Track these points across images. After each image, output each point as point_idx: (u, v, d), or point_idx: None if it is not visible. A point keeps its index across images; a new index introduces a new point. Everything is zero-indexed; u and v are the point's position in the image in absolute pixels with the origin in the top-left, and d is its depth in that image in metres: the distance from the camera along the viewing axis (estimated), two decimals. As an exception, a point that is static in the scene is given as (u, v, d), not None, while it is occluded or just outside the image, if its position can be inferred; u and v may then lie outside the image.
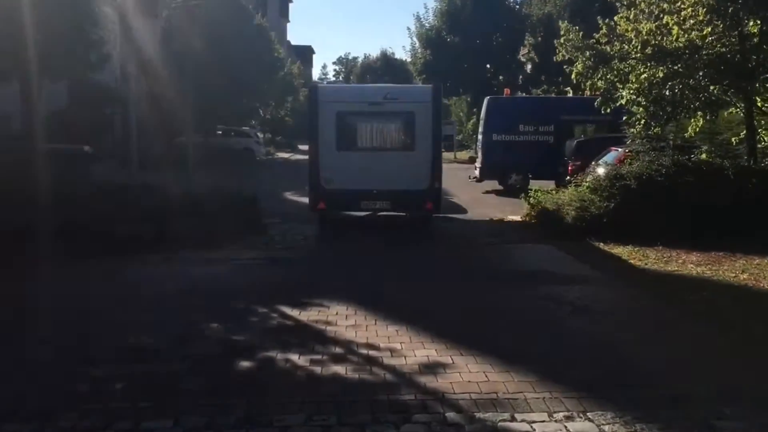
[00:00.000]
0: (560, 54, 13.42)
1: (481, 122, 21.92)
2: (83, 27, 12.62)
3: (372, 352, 5.89)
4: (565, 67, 14.01)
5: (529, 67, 39.49)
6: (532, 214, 13.97)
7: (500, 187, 21.52)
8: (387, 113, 13.19)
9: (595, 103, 13.57)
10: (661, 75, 12.38)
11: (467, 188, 21.86)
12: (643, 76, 12.57)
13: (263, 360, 5.68)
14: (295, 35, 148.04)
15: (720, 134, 12.81)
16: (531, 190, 14.83)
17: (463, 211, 16.65)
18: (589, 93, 14.07)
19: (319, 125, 13.16)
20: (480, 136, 21.99)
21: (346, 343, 6.18)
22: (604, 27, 12.91)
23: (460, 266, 9.93)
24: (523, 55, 39.82)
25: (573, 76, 13.40)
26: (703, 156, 12.64)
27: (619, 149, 16.26)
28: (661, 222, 11.50)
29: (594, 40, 13.13)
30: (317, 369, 5.44)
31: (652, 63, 12.18)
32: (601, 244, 11.38)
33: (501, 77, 39.77)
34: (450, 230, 13.43)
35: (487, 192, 21.29)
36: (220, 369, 5.43)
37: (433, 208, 13.22)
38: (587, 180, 13.29)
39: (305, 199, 14.36)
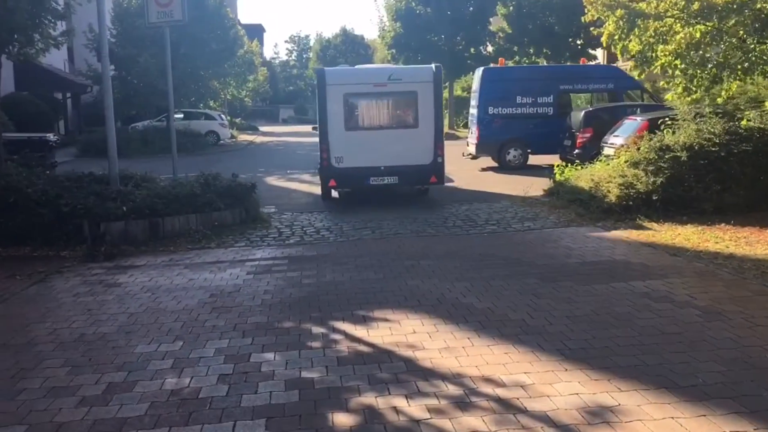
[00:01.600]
0: (589, 14, 12.09)
1: (474, 95, 20.68)
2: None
3: (499, 391, 4.52)
4: (592, 29, 12.65)
5: (500, 37, 38.28)
6: (560, 192, 12.70)
7: (495, 164, 20.53)
8: (391, 93, 13.96)
9: (628, 69, 12.28)
10: (701, 34, 11.11)
11: (462, 166, 20.80)
12: (680, 36, 11.30)
13: (363, 411, 4.26)
14: (244, 14, 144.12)
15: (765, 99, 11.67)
16: (555, 165, 13.58)
17: (472, 192, 15.42)
18: (620, 56, 12.75)
19: (327, 107, 13.77)
20: (473, 110, 20.75)
21: (455, 377, 4.79)
22: (638, -18, 11.57)
23: (515, 259, 8.63)
24: (494, 27, 38.57)
25: (603, 38, 12.08)
26: (744, 122, 11.48)
27: (638, 118, 15.15)
28: (719, 196, 10.35)
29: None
30: (447, 424, 4.02)
31: (697, 20, 10.90)
32: (655, 224, 10.23)
33: (472, 49, 38.50)
34: (474, 215, 12.17)
35: (485, 169, 20.16)
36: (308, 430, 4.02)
37: (438, 181, 13.95)
38: (620, 152, 12.08)
39: (293, 185, 15.63)
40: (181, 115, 32.22)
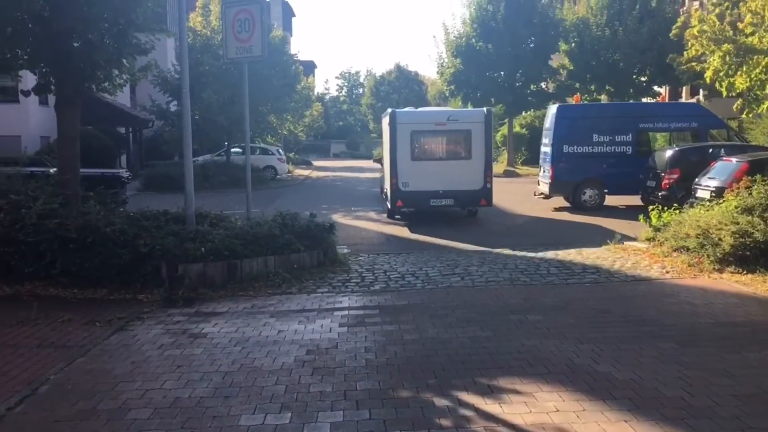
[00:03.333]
0: (692, 49, 11.27)
1: (547, 132, 20.00)
2: (127, 28, 10.37)
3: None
4: (694, 64, 11.80)
5: (561, 74, 37.57)
6: (660, 238, 11.76)
7: (568, 204, 19.90)
8: (449, 131, 17.04)
9: (734, 107, 11.38)
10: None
11: (533, 206, 20.31)
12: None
13: None
14: (295, 50, 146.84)
15: None
16: (651, 209, 12.68)
17: (553, 235, 14.72)
18: (725, 94, 11.84)
19: (397, 141, 16.80)
20: (546, 149, 20.07)
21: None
22: (749, 14, 10.72)
23: (637, 317, 7.82)
24: (555, 63, 37.91)
25: (708, 74, 11.23)
26: None
27: (734, 159, 14.17)
28: None
29: (728, 29, 10.93)
30: None
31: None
32: (781, 278, 9.23)
33: (533, 86, 37.85)
34: (568, 262, 11.44)
35: (558, 209, 19.41)
36: None
37: (487, 203, 17.08)
38: (729, 198, 11.12)
39: (361, 223, 17.01)
40: (240, 150, 32.32)
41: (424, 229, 16.16)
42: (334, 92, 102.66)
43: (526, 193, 23.49)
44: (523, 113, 42.69)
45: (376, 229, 16.51)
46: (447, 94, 41.20)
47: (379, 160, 23.78)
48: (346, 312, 8.24)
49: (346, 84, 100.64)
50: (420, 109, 20.48)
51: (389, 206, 17.81)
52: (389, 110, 18.19)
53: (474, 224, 17.35)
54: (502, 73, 37.83)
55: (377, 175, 26.47)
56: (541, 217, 18.34)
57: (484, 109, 17.69)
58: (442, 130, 17.10)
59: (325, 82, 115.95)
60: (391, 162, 16.92)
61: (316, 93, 78.08)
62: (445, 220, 18.01)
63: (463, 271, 10.58)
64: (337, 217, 18.16)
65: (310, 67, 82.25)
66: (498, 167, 39.25)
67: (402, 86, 72.46)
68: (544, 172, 20.30)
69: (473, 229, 16.21)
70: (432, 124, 17.12)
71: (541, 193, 20.34)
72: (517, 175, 35.04)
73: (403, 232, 15.90)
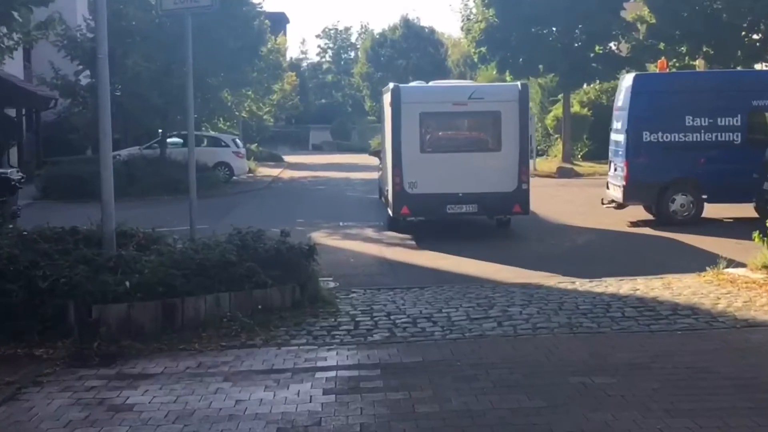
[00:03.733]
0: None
1: (620, 114, 20.24)
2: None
3: None
4: None
5: (639, 30, 37.78)
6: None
7: (651, 217, 20.16)
8: (472, 113, 18.29)
9: None
10: None
11: (601, 218, 20.49)
12: None
13: None
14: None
15: None
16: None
17: (629, 261, 14.91)
18: None
19: (402, 127, 17.70)
20: (617, 137, 20.33)
21: None
22: None
23: (751, 380, 7.94)
24: (630, 15, 38.17)
25: None
26: None
27: None
28: None
29: None
30: None
31: None
32: None
33: (598, 47, 38.13)
34: (650, 300, 11.54)
35: (635, 224, 19.79)
36: None
37: (522, 211, 17.93)
38: None
39: (353, 245, 17.48)
40: (181, 141, 32.42)
41: (440, 249, 16.35)
42: (314, 57, 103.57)
43: (589, 201, 23.58)
44: (585, 86, 42.90)
45: (375, 252, 16.61)
46: (476, 60, 41.56)
47: (378, 153, 24.25)
48: (333, 373, 8.26)
49: (331, 45, 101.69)
50: (434, 82, 21.67)
51: (390, 215, 18.80)
52: (391, 85, 18.84)
53: (510, 242, 17.49)
54: (555, 29, 38.17)
55: (375, 174, 26.38)
56: (612, 235, 18.45)
57: (518, 83, 18.64)
58: (463, 111, 18.27)
59: (302, 43, 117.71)
60: (394, 155, 17.84)
61: (288, 58, 78.72)
62: (469, 235, 18.19)
63: (500, 314, 10.60)
64: (320, 237, 18.25)
65: (280, 21, 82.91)
66: (548, 164, 39.54)
67: (411, 48, 73.07)
68: (615, 170, 20.41)
69: (511, 249, 16.34)
70: (449, 103, 18.07)
71: (612, 201, 20.45)
72: (577, 175, 35.30)
73: (413, 255, 16.04)
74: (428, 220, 18.44)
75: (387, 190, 19.34)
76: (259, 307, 10.40)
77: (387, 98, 19.25)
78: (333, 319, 10.52)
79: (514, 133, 17.76)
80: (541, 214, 21.32)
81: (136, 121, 29.42)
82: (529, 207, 18.21)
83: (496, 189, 17.64)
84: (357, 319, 10.59)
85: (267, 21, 38.76)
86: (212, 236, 11.63)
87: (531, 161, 37.95)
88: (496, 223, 19.02)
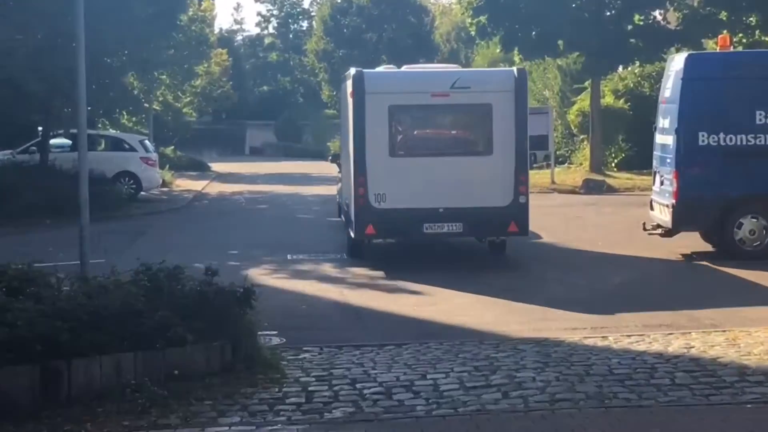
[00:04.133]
0: None
1: (667, 109, 20.40)
2: None
3: None
4: None
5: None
6: None
7: (711, 247, 20.31)
8: (456, 106, 19.12)
9: None
10: None
11: (640, 246, 20.77)
12: None
13: None
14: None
15: None
16: None
17: (680, 307, 15.06)
18: None
19: (365, 124, 18.40)
20: (663, 139, 20.46)
21: None
22: None
23: None
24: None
25: None
26: None
27: None
28: None
29: None
30: None
31: None
32: None
33: (637, 17, 38.40)
34: (709, 362, 11.66)
35: (689, 256, 19.91)
36: None
37: (519, 231, 18.71)
38: None
39: (305, 286, 17.47)
40: (68, 143, 32.31)
41: (421, 288, 16.34)
42: (252, 28, 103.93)
43: (626, 225, 23.91)
44: (621, 70, 43.18)
45: (335, 295, 16.62)
46: (473, 33, 41.64)
47: (338, 159, 24.84)
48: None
49: (275, 12, 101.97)
50: (407, 67, 22.44)
51: (352, 236, 19.46)
52: (353, 70, 19.40)
53: (517, 278, 17.64)
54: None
55: (335, 188, 27.21)
56: (657, 272, 18.66)
57: (514, 69, 20.05)
58: (444, 104, 19.08)
59: (235, 9, 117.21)
60: (357, 160, 18.53)
61: (217, 30, 78.92)
62: (459, 268, 18.31)
63: (506, 381, 10.66)
64: (260, 275, 18.27)
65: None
66: (571, 175, 39.74)
67: (385, 17, 73.37)
68: (661, 184, 20.53)
69: (518, 289, 16.43)
70: (426, 94, 18.79)
71: (657, 226, 20.53)
72: (610, 190, 35.51)
73: (386, 299, 16.10)
74: (401, 244, 19.37)
75: (348, 205, 20.05)
76: (176, 372, 10.36)
77: (348, 87, 19.80)
78: (277, 389, 10.52)
79: (510, 131, 18.49)
80: (560, 243, 21.50)
81: (7, 116, 29.23)
82: (529, 226, 18.94)
83: (487, 203, 18.32)
84: (310, 388, 10.60)
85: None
86: (111, 275, 11.58)
87: (539, 168, 38.47)
88: (489, 247, 19.86)
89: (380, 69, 20.76)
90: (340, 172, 23.88)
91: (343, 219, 22.18)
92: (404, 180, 18.31)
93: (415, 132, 19.43)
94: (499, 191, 18.38)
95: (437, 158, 18.71)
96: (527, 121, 19.22)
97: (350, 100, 18.98)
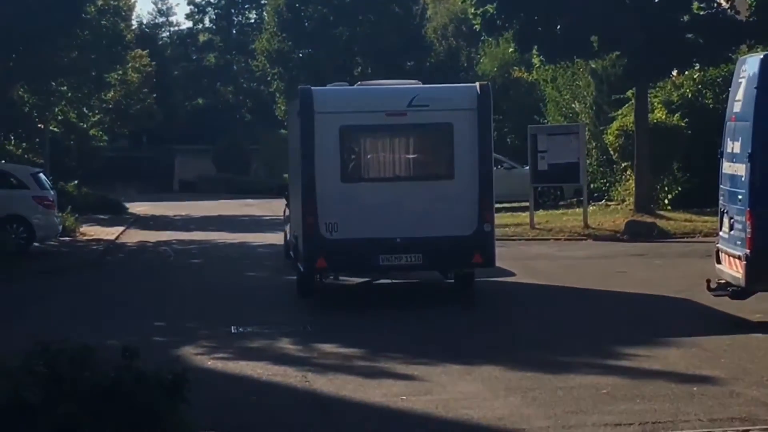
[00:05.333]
0: None
1: (738, 128, 20.41)
2: None
3: None
4: None
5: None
6: None
7: None
8: (413, 126, 22.22)
9: None
10: None
11: (704, 314, 20.87)
12: None
13: None
14: None
15: None
16: None
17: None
18: None
19: (315, 147, 21.51)
20: (735, 168, 20.42)
21: None
22: None
23: None
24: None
25: None
26: None
27: None
28: None
29: None
30: None
31: None
32: None
33: (697, 7, 38.61)
34: None
35: None
36: None
37: (484, 262, 21.71)
38: None
39: (257, 370, 17.31)
40: None
41: (408, 367, 16.37)
42: (182, 21, 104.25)
43: (685, 282, 24.04)
44: (673, 77, 43.31)
45: (296, 380, 16.50)
46: (477, 28, 41.78)
47: (286, 190, 28.05)
48: None
49: (212, 1, 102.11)
50: (363, 84, 27.14)
51: (301, 270, 22.46)
52: (300, 88, 22.70)
53: (532, 351, 17.57)
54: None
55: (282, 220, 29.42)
56: (722, 345, 18.46)
57: (477, 84, 22.91)
58: (400, 124, 22.10)
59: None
60: (306, 186, 21.53)
61: (136, 24, 78.96)
62: (457, 335, 18.23)
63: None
64: (195, 354, 18.30)
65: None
66: (610, 215, 39.95)
67: (361, 7, 73.27)
68: (730, 228, 20.63)
69: (536, 367, 16.28)
70: (381, 113, 21.90)
71: (725, 284, 20.55)
72: (662, 235, 35.50)
73: (362, 384, 15.91)
74: (354, 283, 22.06)
75: (297, 238, 22.97)
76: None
77: (294, 107, 23.07)
78: None
79: (473, 153, 21.58)
80: (596, 308, 21.47)
81: None
82: (495, 257, 22.16)
83: (449, 232, 21.21)
84: None
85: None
86: (-5, 358, 11.58)
87: (581, 210, 38.65)
88: (453, 282, 23.34)
89: (331, 86, 23.72)
90: (287, 205, 27.61)
91: (292, 255, 25.20)
92: (358, 207, 21.38)
93: (370, 155, 22.32)
94: (461, 219, 21.37)
95: (394, 183, 22.00)
96: (492, 141, 22.44)
97: (298, 121, 21.86)
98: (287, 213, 28.07)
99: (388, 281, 25.43)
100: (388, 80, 33.41)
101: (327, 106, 21.54)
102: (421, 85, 25.12)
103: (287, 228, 27.85)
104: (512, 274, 26.59)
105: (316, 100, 21.42)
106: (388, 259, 21.27)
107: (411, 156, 22.72)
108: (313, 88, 21.89)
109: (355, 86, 24.45)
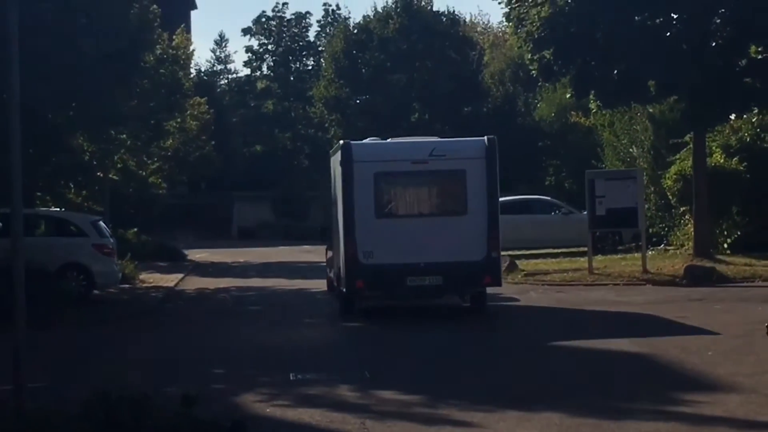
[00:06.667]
0: None
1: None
2: None
3: None
4: None
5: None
6: None
7: None
8: (434, 172, 27.41)
9: None
10: None
11: (764, 362, 20.39)
12: None
13: None
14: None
15: None
16: None
17: None
18: None
19: (354, 190, 26.65)
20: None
21: None
22: None
23: None
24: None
25: None
26: None
27: None
28: None
29: None
30: None
31: None
32: None
33: (754, 48, 38.39)
34: None
35: None
36: None
37: (492, 282, 27.01)
38: None
39: (315, 414, 17.29)
40: (-3, 225, 32.32)
41: (470, 414, 16.22)
42: (240, 68, 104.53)
43: (745, 326, 24.00)
44: (733, 119, 43.03)
45: (354, 428, 16.29)
46: (533, 73, 41.70)
47: (327, 232, 34.17)
48: None
49: (270, 47, 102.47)
50: (391, 140, 31.31)
51: (344, 291, 27.69)
52: (341, 143, 28.39)
53: (598, 397, 17.35)
54: (675, 16, 38.34)
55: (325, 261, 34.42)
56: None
57: (485, 138, 27.77)
58: (423, 170, 27.35)
59: (219, 45, 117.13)
60: (346, 221, 26.78)
61: (194, 72, 79.22)
62: (524, 378, 18.17)
63: None
64: (254, 401, 18.20)
65: (179, 7, 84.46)
66: (668, 260, 39.69)
67: (418, 53, 73.33)
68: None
69: (598, 412, 16.16)
70: (407, 162, 27.34)
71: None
72: (723, 280, 35.13)
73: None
74: (388, 304, 26.55)
75: (339, 267, 28.03)
76: None
77: (336, 158, 28.47)
78: None
79: (482, 194, 26.90)
80: (659, 354, 21.33)
81: None
82: (501, 279, 28.06)
83: (463, 258, 26.43)
84: None
85: (156, 7, 39.12)
86: (55, 405, 11.58)
87: (640, 255, 38.60)
88: (467, 302, 28.44)
89: (366, 141, 29.21)
90: (329, 240, 32.88)
91: (334, 284, 31.45)
92: (389, 238, 26.49)
93: (398, 195, 27.80)
94: (473, 247, 26.58)
95: (418, 218, 27.40)
96: (498, 183, 27.69)
97: (340, 169, 27.11)
98: (329, 255, 33.73)
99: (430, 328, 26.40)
100: (412, 137, 37.50)
101: (364, 157, 27.11)
102: (440, 139, 31.24)
103: (329, 269, 33.74)
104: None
105: (355, 151, 27.00)
106: (414, 280, 26.54)
107: (432, 196, 28.36)
108: (352, 142, 27.70)
109: (387, 140, 29.90)
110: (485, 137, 27.81)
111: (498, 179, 27.68)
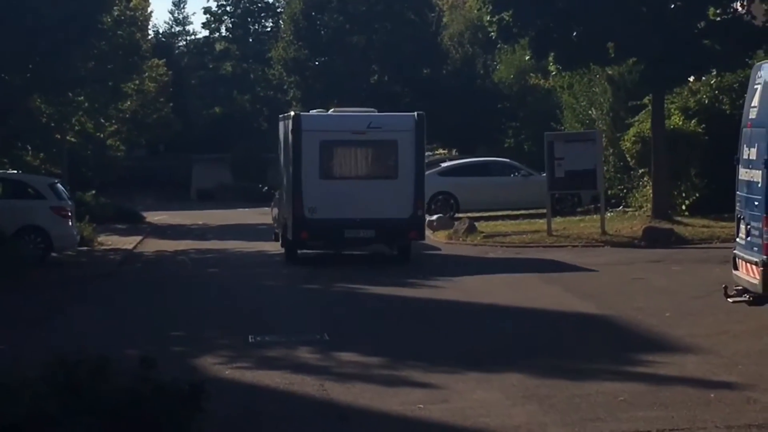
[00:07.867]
0: None
1: (754, 134, 20.24)
2: None
3: None
4: None
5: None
6: None
7: None
8: (370, 142, 32.26)
9: None
10: None
11: (721, 323, 20.72)
12: None
13: None
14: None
15: None
16: None
17: None
18: None
19: (302, 154, 31.31)
20: (752, 174, 20.22)
21: None
22: None
23: None
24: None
25: None
26: None
27: None
28: None
29: None
30: None
31: None
32: None
33: (712, 10, 38.44)
34: None
35: None
36: None
37: (417, 237, 32.42)
38: None
39: (276, 377, 17.46)
40: None
41: (426, 375, 16.49)
42: (199, 30, 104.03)
43: (703, 287, 24.15)
44: (692, 82, 43.10)
45: (313, 389, 16.26)
46: (492, 35, 41.66)
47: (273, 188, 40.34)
48: None
49: (229, 10, 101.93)
50: (333, 111, 37.19)
51: (290, 239, 32.38)
52: (291, 114, 33.67)
53: (551, 359, 17.43)
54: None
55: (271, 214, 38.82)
56: (739, 350, 18.51)
57: (415, 114, 32.94)
58: (361, 140, 32.14)
59: (176, 6, 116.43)
60: (293, 181, 31.35)
61: (153, 34, 78.80)
62: (474, 341, 18.28)
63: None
64: (213, 364, 18.23)
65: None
66: (627, 222, 39.87)
67: (377, 15, 73.06)
68: (747, 234, 20.44)
69: (554, 375, 16.19)
70: (348, 132, 32.16)
71: (743, 291, 20.34)
72: (680, 241, 35.36)
73: (382, 393, 15.77)
74: (326, 251, 30.63)
75: (284, 219, 33.25)
76: None
77: (285, 125, 33.75)
78: None
79: (411, 161, 31.92)
80: (613, 313, 21.45)
81: None
82: (425, 234, 33.90)
83: (393, 215, 31.19)
84: None
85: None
86: (13, 368, 11.56)
87: (599, 217, 38.79)
88: (395, 252, 33.44)
89: (313, 113, 34.01)
90: (275, 197, 38.10)
91: (277, 232, 36.74)
92: (330, 197, 31.00)
93: (339, 160, 32.27)
94: (402, 206, 31.42)
95: (355, 180, 31.98)
96: (424, 153, 33.82)
97: (290, 136, 32.08)
98: (275, 212, 38.67)
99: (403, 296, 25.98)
100: (353, 108, 42.77)
101: (311, 126, 32.23)
102: (377, 113, 35.35)
103: (276, 224, 38.06)
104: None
105: (304, 122, 32.06)
106: (350, 233, 31.48)
107: (368, 162, 32.89)
108: (302, 113, 33.88)
109: (330, 113, 35.45)
110: (415, 113, 33.04)
111: (425, 150, 33.58)
